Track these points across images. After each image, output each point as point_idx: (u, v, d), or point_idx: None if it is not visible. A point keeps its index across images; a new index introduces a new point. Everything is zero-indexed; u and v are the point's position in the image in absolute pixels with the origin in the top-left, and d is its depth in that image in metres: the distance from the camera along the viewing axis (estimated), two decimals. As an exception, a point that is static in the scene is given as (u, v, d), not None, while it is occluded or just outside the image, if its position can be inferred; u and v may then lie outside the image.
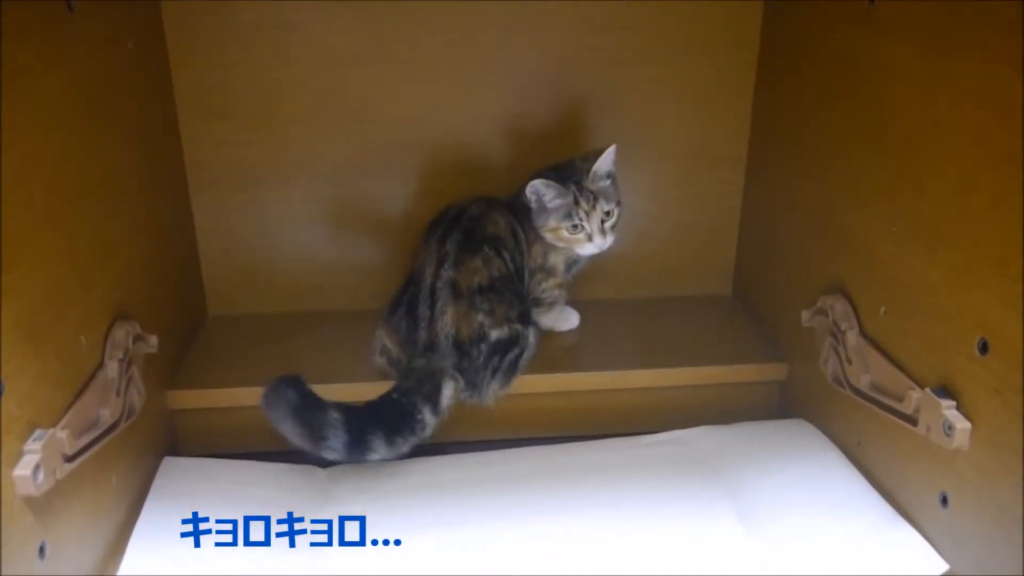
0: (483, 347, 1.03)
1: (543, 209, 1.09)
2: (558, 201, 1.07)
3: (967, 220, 0.74)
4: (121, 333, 0.86)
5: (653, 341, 1.18)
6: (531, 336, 1.09)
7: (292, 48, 1.13)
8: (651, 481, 0.99)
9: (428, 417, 0.98)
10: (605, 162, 1.07)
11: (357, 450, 0.93)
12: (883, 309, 0.88)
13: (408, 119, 1.18)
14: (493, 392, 1.05)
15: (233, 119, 1.15)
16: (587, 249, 1.10)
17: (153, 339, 0.93)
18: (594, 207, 1.07)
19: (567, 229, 1.08)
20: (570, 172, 1.08)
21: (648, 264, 1.30)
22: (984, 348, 0.72)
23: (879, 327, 0.89)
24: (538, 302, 1.17)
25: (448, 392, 1.00)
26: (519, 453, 1.06)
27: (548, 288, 1.16)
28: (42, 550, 0.70)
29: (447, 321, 1.02)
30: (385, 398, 0.98)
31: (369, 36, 1.13)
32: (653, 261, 1.30)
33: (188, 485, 0.96)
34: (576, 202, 1.07)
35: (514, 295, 1.09)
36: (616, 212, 1.09)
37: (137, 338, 0.90)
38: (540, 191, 1.07)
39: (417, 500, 0.96)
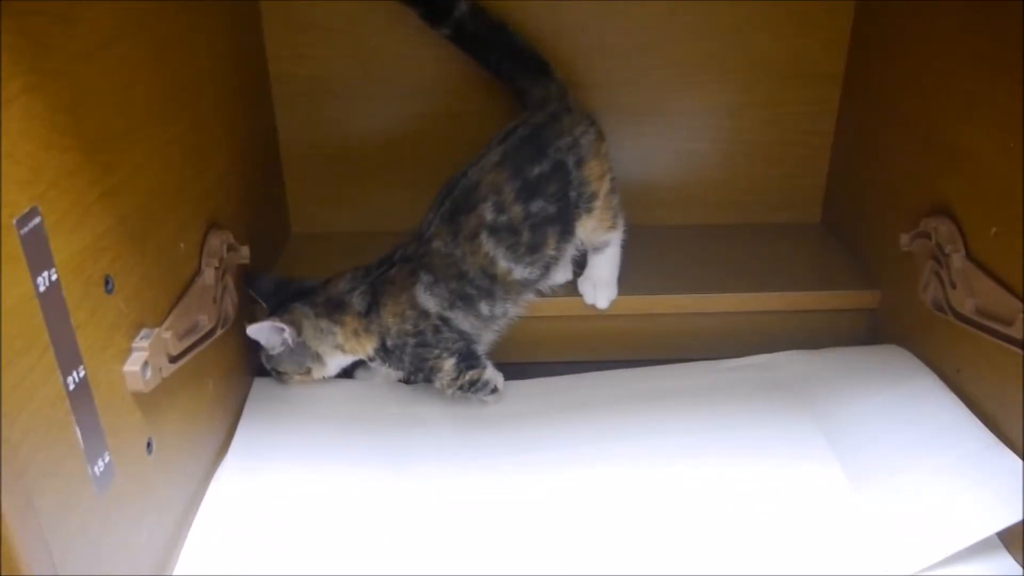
0: None
1: None
2: None
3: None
4: (216, 241, 0.87)
5: (738, 265, 1.15)
6: None
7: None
8: (734, 405, 0.98)
9: None
10: None
11: None
12: (994, 230, 0.84)
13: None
14: None
15: (314, 30, 1.13)
16: None
17: (245, 249, 0.94)
18: None
19: None
20: None
21: (734, 188, 1.25)
22: (1110, 265, 0.68)
23: (988, 248, 0.85)
24: None
25: None
26: (600, 377, 1.05)
27: None
28: (149, 445, 0.72)
29: None
30: None
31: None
32: (740, 185, 1.25)
33: (279, 405, 0.98)
34: None
35: None
36: None
37: (230, 248, 0.91)
38: None
39: (499, 424, 0.97)
